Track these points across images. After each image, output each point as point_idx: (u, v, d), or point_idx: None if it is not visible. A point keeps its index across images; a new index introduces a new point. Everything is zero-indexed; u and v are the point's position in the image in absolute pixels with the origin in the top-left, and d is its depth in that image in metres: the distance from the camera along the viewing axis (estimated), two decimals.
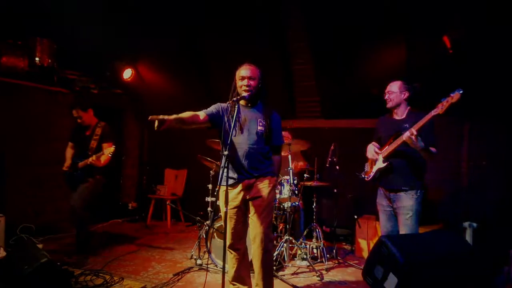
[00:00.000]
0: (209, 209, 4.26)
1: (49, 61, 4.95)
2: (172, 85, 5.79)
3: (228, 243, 2.78)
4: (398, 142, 2.97)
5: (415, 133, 2.78)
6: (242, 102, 2.79)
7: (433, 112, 2.74)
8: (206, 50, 5.39)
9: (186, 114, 2.60)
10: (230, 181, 2.72)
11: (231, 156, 2.65)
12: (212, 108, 2.79)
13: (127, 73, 5.70)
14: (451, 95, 2.66)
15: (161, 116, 2.36)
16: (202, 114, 2.71)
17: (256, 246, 2.70)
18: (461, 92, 2.60)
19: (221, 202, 2.70)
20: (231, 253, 2.81)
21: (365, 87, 4.71)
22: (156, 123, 2.35)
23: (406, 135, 2.82)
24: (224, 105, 2.81)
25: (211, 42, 5.23)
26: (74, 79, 5.41)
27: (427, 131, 2.92)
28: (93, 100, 5.61)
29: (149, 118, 2.37)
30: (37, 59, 4.82)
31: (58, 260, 3.47)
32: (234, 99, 2.65)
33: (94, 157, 4.03)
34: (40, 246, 4.36)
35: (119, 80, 5.74)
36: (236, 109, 2.68)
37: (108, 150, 3.94)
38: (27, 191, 4.97)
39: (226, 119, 2.73)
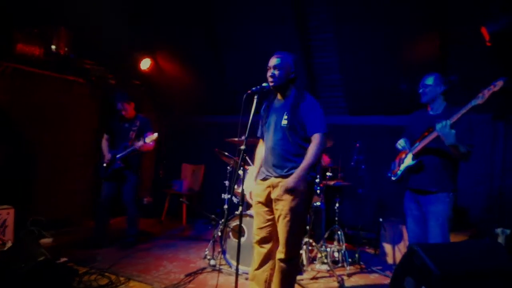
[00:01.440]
0: (225, 206, 4.06)
1: (66, 49, 4.86)
2: (190, 75, 5.64)
3: (254, 239, 2.64)
4: (430, 137, 2.71)
5: (449, 123, 2.52)
6: (278, 95, 2.65)
7: (473, 102, 2.48)
8: (223, 41, 5.19)
9: (259, 161, 2.75)
10: (262, 175, 2.62)
11: (264, 152, 2.64)
12: (260, 125, 2.75)
13: (145, 64, 5.58)
14: (493, 84, 2.42)
15: (249, 192, 2.72)
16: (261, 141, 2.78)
17: (279, 251, 2.52)
18: (505, 80, 2.33)
19: (253, 195, 2.69)
20: (256, 248, 2.63)
21: (394, 81, 4.41)
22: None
23: (438, 126, 2.56)
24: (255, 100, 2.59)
25: (227, 32, 5.03)
26: (91, 69, 5.30)
27: (463, 126, 2.63)
28: (110, 91, 5.53)
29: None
30: (53, 47, 4.74)
31: (66, 255, 3.34)
32: (254, 88, 2.45)
33: (136, 143, 4.18)
34: (50, 240, 4.34)
35: (137, 71, 5.62)
36: (254, 103, 2.47)
37: (150, 137, 4.13)
38: (39, 183, 4.88)
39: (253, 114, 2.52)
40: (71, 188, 5.29)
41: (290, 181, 2.37)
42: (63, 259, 3.08)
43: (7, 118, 4.51)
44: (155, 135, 4.19)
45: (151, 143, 4.20)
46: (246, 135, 2.42)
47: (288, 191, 2.36)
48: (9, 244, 3.39)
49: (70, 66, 5.09)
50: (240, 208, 2.45)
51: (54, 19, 4.72)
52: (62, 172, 5.17)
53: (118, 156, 4.24)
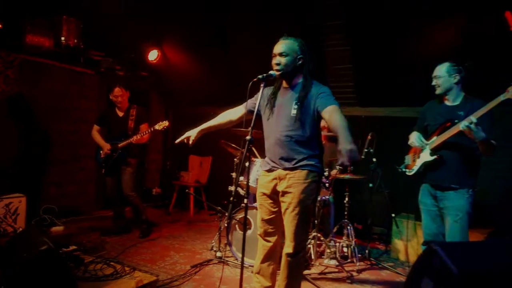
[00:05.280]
0: (231, 198, 3.99)
1: (75, 41, 4.87)
2: (198, 66, 5.58)
3: (258, 232, 2.57)
4: (452, 132, 2.57)
5: (474, 121, 2.38)
6: (284, 83, 2.50)
7: (502, 97, 2.32)
8: (231, 30, 5.09)
9: (218, 120, 2.72)
10: (267, 166, 2.51)
11: (266, 143, 2.52)
12: (253, 99, 2.58)
13: (153, 55, 5.55)
14: None
15: (185, 135, 2.64)
16: (240, 110, 2.69)
17: (286, 245, 2.44)
18: None
19: (258, 188, 2.60)
20: (260, 241, 2.56)
21: (407, 71, 4.25)
22: (186, 141, 2.63)
23: (463, 124, 2.42)
24: (269, 89, 2.53)
25: (235, 22, 4.93)
26: (100, 60, 5.30)
27: (487, 120, 2.49)
28: (119, 82, 5.51)
29: (176, 142, 2.71)
30: (62, 38, 4.75)
31: (75, 244, 3.35)
32: (260, 76, 2.33)
33: (136, 136, 4.12)
34: (61, 228, 4.38)
35: (145, 62, 5.60)
36: (262, 89, 2.36)
37: (162, 124, 4.04)
38: (50, 172, 4.93)
39: (260, 102, 2.39)
40: (81, 177, 5.33)
41: (345, 143, 1.98)
42: (72, 247, 3.11)
43: (18, 109, 4.53)
44: (165, 122, 4.08)
45: (145, 134, 4.13)
46: (252, 125, 2.33)
47: (352, 152, 1.94)
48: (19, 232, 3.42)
49: (80, 58, 5.10)
50: (246, 200, 2.39)
51: (64, 10, 4.71)
52: (71, 162, 5.20)
53: (120, 145, 4.18)
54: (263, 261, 2.54)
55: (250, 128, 2.27)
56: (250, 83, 2.33)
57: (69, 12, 4.73)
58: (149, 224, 4.51)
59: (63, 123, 5.06)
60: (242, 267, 2.19)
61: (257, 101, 2.39)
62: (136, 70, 5.83)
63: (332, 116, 2.21)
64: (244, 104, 2.61)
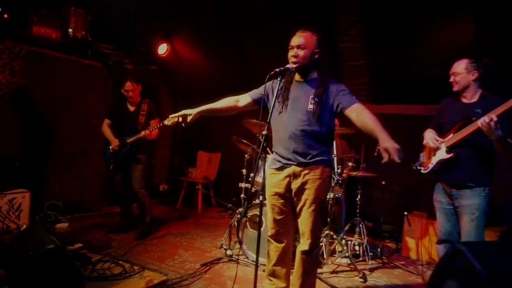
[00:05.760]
0: (242, 195, 3.93)
1: (83, 33, 4.82)
2: (208, 60, 5.49)
3: (269, 233, 2.48)
4: (470, 129, 2.51)
5: (495, 119, 2.30)
6: (296, 76, 2.42)
7: None
8: (242, 25, 4.99)
9: (220, 104, 2.53)
10: (277, 164, 2.41)
11: (276, 138, 2.42)
12: (260, 89, 2.50)
13: (162, 49, 5.47)
14: None
15: (181, 112, 2.45)
16: (245, 98, 2.54)
17: (302, 243, 2.38)
18: None
19: (266, 186, 2.51)
20: (272, 243, 2.48)
21: (422, 68, 4.15)
22: (180, 119, 2.46)
23: (482, 121, 2.35)
24: (278, 81, 2.43)
25: (246, 16, 4.83)
26: (108, 53, 5.22)
27: (505, 118, 2.41)
28: (129, 76, 5.44)
29: (170, 117, 2.54)
30: (70, 30, 4.68)
31: (81, 241, 3.30)
32: (277, 70, 2.25)
33: (145, 131, 3.99)
34: (66, 224, 4.32)
35: (154, 56, 5.52)
36: (279, 83, 2.29)
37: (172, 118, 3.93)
38: (55, 167, 4.85)
39: (276, 95, 2.31)
40: (87, 173, 5.27)
41: (391, 141, 1.98)
42: (78, 245, 3.04)
43: (23, 101, 4.46)
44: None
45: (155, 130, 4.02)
46: (269, 119, 2.25)
47: (400, 150, 1.95)
48: (23, 229, 3.35)
49: (87, 50, 5.01)
50: (261, 197, 2.32)
51: (72, 2, 4.64)
52: (77, 156, 5.13)
53: (129, 140, 4.06)
54: (276, 264, 2.47)
55: (266, 123, 2.20)
56: (268, 76, 2.25)
57: (77, 3, 4.66)
58: (150, 227, 4.29)
59: (69, 116, 4.96)
60: (256, 266, 2.12)
61: (270, 93, 2.35)
62: (145, 64, 5.75)
63: (362, 115, 2.19)
64: (250, 92, 2.55)
